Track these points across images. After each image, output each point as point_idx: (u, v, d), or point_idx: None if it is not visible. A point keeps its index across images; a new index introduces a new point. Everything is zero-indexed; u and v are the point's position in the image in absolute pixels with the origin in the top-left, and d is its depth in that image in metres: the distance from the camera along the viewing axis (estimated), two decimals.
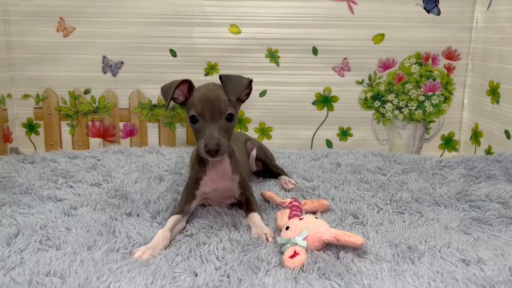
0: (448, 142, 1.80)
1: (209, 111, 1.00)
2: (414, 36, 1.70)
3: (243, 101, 1.12)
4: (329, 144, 1.80)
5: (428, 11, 1.68)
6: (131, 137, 1.77)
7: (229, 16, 1.68)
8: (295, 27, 1.69)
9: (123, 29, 1.67)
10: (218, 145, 0.98)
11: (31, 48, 1.68)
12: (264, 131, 1.79)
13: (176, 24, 1.67)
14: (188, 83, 1.06)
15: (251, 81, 1.08)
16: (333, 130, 1.78)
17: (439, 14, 1.68)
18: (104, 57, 1.70)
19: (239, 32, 1.69)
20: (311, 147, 1.79)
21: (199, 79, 1.72)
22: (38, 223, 1.04)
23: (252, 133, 1.78)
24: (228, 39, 1.69)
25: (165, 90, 1.06)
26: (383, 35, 1.70)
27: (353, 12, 1.68)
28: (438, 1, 1.67)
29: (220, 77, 1.05)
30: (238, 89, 1.03)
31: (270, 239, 0.97)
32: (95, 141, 1.76)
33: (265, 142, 1.78)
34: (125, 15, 1.66)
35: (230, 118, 1.02)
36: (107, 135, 1.76)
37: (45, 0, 1.64)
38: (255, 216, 1.06)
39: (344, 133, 1.79)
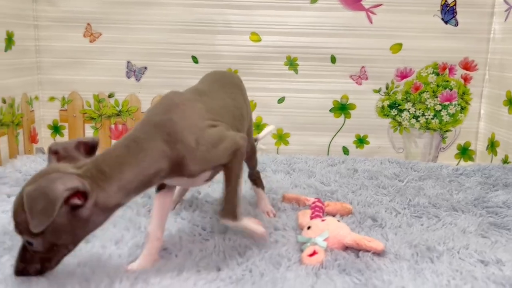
0: (464, 152, 1.82)
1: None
2: (431, 46, 1.73)
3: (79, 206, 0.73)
4: (345, 151, 1.82)
5: (446, 22, 1.71)
6: None
7: (250, 24, 1.72)
8: (314, 36, 1.73)
9: (147, 36, 1.72)
10: (20, 273, 0.77)
11: (58, 53, 1.74)
12: (282, 137, 1.82)
13: (198, 32, 1.73)
14: None
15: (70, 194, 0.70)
16: (350, 138, 1.81)
17: (457, 25, 1.71)
18: (128, 62, 1.75)
19: (259, 40, 1.74)
20: (328, 154, 1.82)
21: None
22: None
23: (269, 139, 1.81)
24: (249, 47, 1.74)
25: None
26: (401, 44, 1.73)
27: (371, 22, 1.71)
28: (456, 12, 1.70)
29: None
30: (44, 212, 0.68)
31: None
32: None
33: (282, 148, 1.82)
34: (149, 22, 1.72)
35: (29, 243, 0.74)
36: None
37: (73, 6, 1.71)
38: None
39: (361, 141, 1.81)
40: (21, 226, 0.72)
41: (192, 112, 0.86)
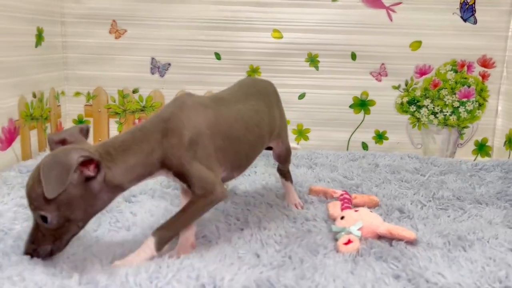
0: (482, 148, 1.85)
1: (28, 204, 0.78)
2: (450, 44, 1.76)
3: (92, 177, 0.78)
4: (364, 146, 1.85)
5: (465, 20, 1.74)
6: None
7: (272, 21, 1.76)
8: (335, 33, 1.76)
9: (172, 32, 1.76)
10: (32, 255, 0.80)
11: (84, 49, 1.78)
12: (302, 132, 1.85)
13: (221, 29, 1.76)
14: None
15: (86, 160, 0.75)
16: (369, 133, 1.84)
17: (476, 23, 1.74)
18: (152, 58, 1.79)
19: (281, 37, 1.77)
20: (347, 149, 1.85)
21: None
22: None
23: (289, 134, 1.83)
24: (270, 44, 1.77)
25: None
26: (420, 42, 1.76)
27: (391, 20, 1.74)
28: (474, 11, 1.73)
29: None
30: (59, 180, 0.72)
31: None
32: None
33: (302, 143, 1.86)
34: (173, 19, 1.75)
35: (44, 219, 0.77)
36: None
37: (99, 3, 1.74)
38: None
39: (380, 136, 1.84)
40: (36, 201, 0.75)
41: (199, 115, 0.90)
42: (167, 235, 0.85)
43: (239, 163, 1.00)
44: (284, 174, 1.25)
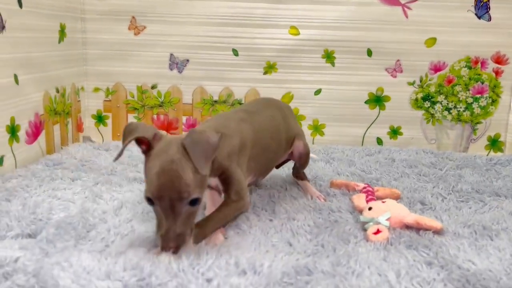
0: (494, 143, 1.88)
1: (167, 197, 0.79)
2: (464, 41, 1.79)
3: None
4: (379, 141, 1.88)
5: (479, 17, 1.77)
6: None
7: (289, 18, 1.78)
8: (351, 30, 1.78)
9: (190, 29, 1.79)
10: (178, 246, 0.82)
11: (104, 45, 1.80)
12: (317, 128, 1.88)
13: (239, 25, 1.79)
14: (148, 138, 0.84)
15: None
16: (384, 129, 1.87)
17: (490, 20, 1.77)
18: (171, 54, 1.82)
19: (298, 34, 1.80)
20: (362, 144, 1.88)
21: (258, 77, 1.83)
22: (136, 199, 1.15)
23: (305, 129, 1.86)
24: (287, 40, 1.80)
25: (125, 133, 0.88)
26: (435, 39, 1.78)
27: (407, 17, 1.77)
28: (489, 8, 1.76)
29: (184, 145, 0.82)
30: (208, 155, 0.82)
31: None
32: None
33: (317, 138, 1.89)
34: (192, 16, 1.78)
35: (194, 202, 0.82)
36: (170, 128, 1.87)
37: (119, 0, 1.77)
38: None
39: (395, 132, 1.87)
40: (188, 188, 0.79)
41: (241, 127, 1.03)
42: (203, 232, 0.91)
43: (265, 168, 1.15)
44: (299, 175, 1.30)
